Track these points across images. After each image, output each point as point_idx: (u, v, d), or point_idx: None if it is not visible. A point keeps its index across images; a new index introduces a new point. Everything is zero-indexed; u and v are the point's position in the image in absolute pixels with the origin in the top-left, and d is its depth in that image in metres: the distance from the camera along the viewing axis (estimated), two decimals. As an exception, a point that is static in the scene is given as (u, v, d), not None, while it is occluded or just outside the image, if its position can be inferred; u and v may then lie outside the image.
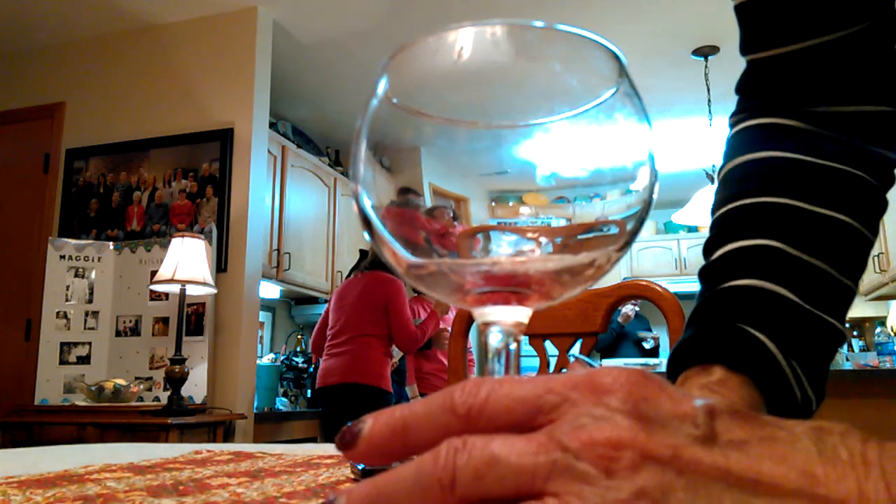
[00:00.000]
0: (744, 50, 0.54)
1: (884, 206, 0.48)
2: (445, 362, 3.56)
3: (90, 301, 3.25)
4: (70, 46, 3.81)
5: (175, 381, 2.77)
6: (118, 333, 3.24)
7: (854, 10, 0.48)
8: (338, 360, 3.10)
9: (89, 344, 3.21)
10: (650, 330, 5.39)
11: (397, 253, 0.25)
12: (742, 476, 0.17)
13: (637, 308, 5.23)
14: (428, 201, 0.25)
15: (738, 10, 0.53)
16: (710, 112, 4.12)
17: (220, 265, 3.25)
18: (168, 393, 2.84)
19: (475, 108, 0.25)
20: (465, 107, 0.25)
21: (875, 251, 4.53)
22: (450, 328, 1.27)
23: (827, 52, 0.48)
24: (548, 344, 1.20)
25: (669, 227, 6.61)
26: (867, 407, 2.77)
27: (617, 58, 0.25)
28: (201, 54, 3.54)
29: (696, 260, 6.31)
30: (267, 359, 4.45)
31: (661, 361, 4.51)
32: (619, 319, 5.17)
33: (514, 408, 0.20)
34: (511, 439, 0.19)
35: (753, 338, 0.38)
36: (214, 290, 3.00)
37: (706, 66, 3.94)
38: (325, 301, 4.01)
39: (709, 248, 0.47)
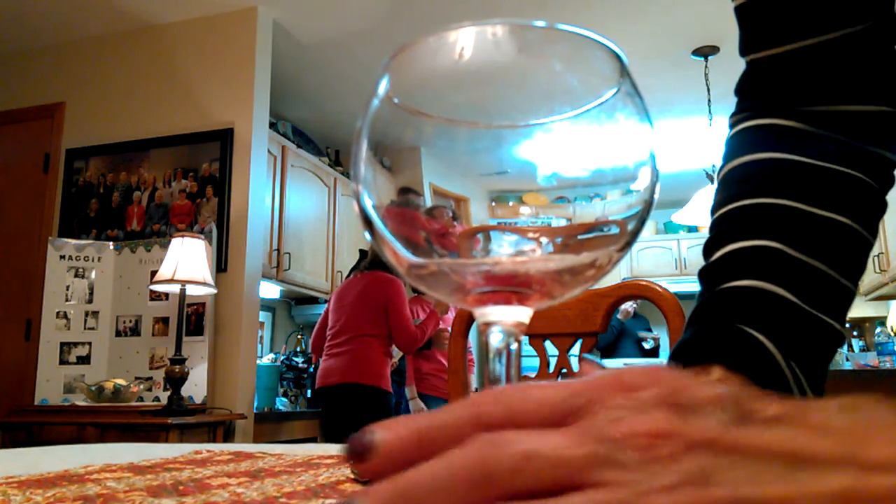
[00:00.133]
0: (743, 51, 0.54)
1: (883, 207, 0.48)
2: (444, 362, 3.55)
3: (90, 301, 3.25)
4: (70, 46, 3.81)
5: (175, 381, 2.77)
6: (118, 333, 3.24)
7: (854, 10, 0.48)
8: (337, 360, 3.10)
9: (89, 344, 3.21)
10: (650, 330, 5.39)
11: (398, 253, 0.25)
12: (782, 451, 0.17)
13: (637, 304, 5.23)
14: (428, 201, 0.25)
15: (739, 10, 0.53)
16: (710, 112, 4.12)
17: (220, 265, 3.25)
18: (168, 393, 2.84)
19: (476, 108, 0.25)
20: (465, 107, 0.25)
21: (875, 251, 4.53)
22: (450, 328, 1.27)
23: (826, 50, 0.48)
24: (548, 344, 1.20)
25: (669, 227, 6.61)
26: (867, 407, 2.76)
27: (618, 57, 0.25)
28: (201, 54, 3.54)
29: (696, 260, 6.31)
30: (267, 359, 4.45)
31: (661, 361, 4.50)
32: (620, 316, 5.18)
33: (541, 411, 0.20)
34: (546, 433, 0.19)
35: (753, 338, 0.38)
36: (214, 290, 3.00)
37: (706, 66, 3.94)
38: (325, 301, 4.01)
39: (708, 248, 0.47)
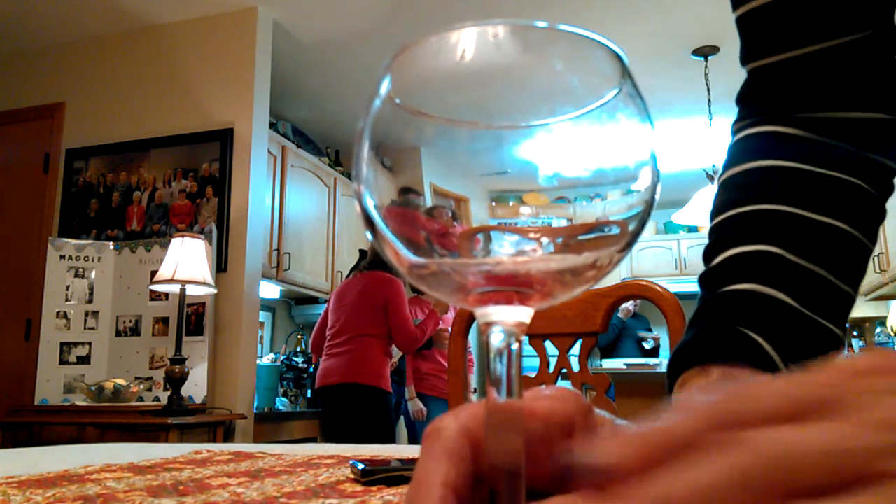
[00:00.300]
0: (744, 60, 0.55)
1: (882, 214, 0.48)
2: (444, 362, 3.55)
3: (90, 301, 3.25)
4: (70, 46, 3.81)
5: (175, 381, 2.77)
6: (118, 333, 3.24)
7: (853, 20, 0.48)
8: (337, 360, 3.10)
9: (89, 344, 3.21)
10: (650, 330, 5.39)
11: (399, 253, 0.25)
12: None
13: (637, 304, 5.23)
14: (428, 201, 0.25)
15: (740, 20, 0.54)
16: (710, 112, 4.12)
17: (220, 265, 3.25)
18: (168, 393, 2.84)
19: (477, 109, 0.25)
20: (466, 107, 0.25)
21: (875, 251, 4.53)
22: (449, 328, 1.27)
23: (826, 58, 0.49)
24: (548, 344, 1.20)
25: (669, 227, 6.61)
26: (867, 407, 2.76)
27: (619, 58, 0.25)
28: (201, 54, 3.55)
29: (696, 260, 6.32)
30: (267, 359, 4.45)
31: (662, 361, 4.51)
32: (620, 315, 5.18)
33: (785, 406, 0.18)
34: (811, 427, 0.17)
35: (751, 340, 0.39)
36: (214, 290, 3.00)
37: (706, 66, 3.94)
38: (325, 301, 4.01)
39: (708, 254, 0.47)
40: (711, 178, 3.97)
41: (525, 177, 0.24)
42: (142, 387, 3.09)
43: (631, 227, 0.25)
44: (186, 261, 2.82)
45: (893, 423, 0.17)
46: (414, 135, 0.25)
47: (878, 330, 4.47)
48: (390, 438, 3.14)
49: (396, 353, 3.35)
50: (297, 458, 0.78)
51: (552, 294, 0.25)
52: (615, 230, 0.25)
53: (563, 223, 0.25)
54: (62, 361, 3.17)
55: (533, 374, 1.24)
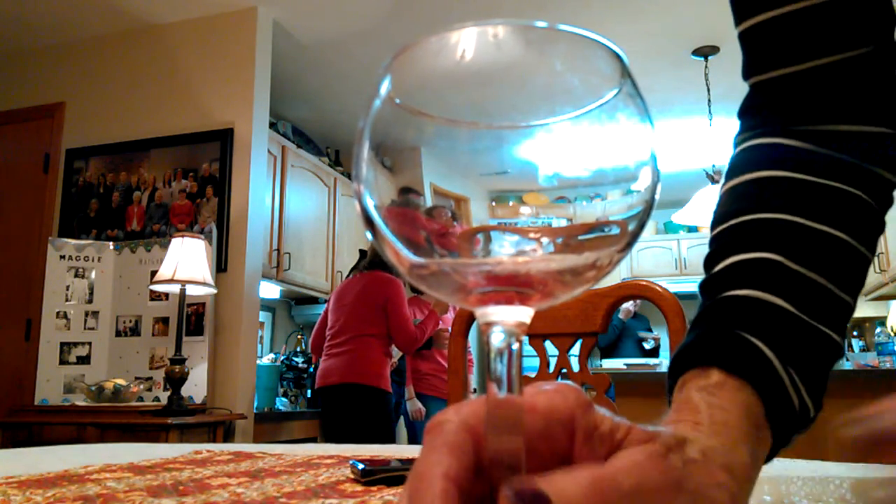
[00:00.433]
0: (746, 74, 0.56)
1: (881, 226, 0.49)
2: (443, 362, 3.55)
3: (90, 301, 3.25)
4: (70, 46, 3.81)
5: (175, 381, 2.77)
6: (118, 333, 3.24)
7: (855, 35, 0.49)
8: (337, 361, 3.10)
9: (89, 344, 3.21)
10: (651, 330, 5.39)
11: (400, 253, 0.26)
12: None
13: (637, 304, 5.23)
14: (428, 201, 0.25)
15: (743, 35, 0.55)
16: (710, 112, 4.12)
17: (220, 265, 3.25)
18: (168, 393, 2.84)
19: (477, 109, 0.25)
20: (466, 107, 0.25)
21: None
22: (449, 328, 1.27)
23: (828, 73, 0.50)
24: (548, 344, 1.20)
25: (669, 227, 6.61)
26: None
27: (619, 58, 0.25)
28: (201, 54, 3.55)
29: (696, 260, 6.32)
30: (267, 359, 4.45)
31: (662, 361, 4.51)
32: (621, 315, 5.18)
33: None
34: None
35: (750, 343, 0.39)
36: (214, 290, 3.00)
37: (706, 66, 3.94)
38: (325, 301, 4.02)
39: (709, 262, 0.48)
40: (711, 178, 3.97)
41: (525, 177, 0.24)
42: (142, 387, 3.09)
43: (631, 227, 0.25)
44: (186, 261, 2.82)
45: None
46: (414, 135, 0.25)
47: (878, 330, 4.47)
48: (390, 438, 3.14)
49: (396, 353, 3.35)
50: (297, 458, 0.78)
51: (552, 294, 0.25)
52: (615, 230, 0.25)
53: (564, 223, 0.25)
54: (62, 361, 3.17)
55: (533, 374, 1.24)
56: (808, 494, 0.52)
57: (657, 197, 0.26)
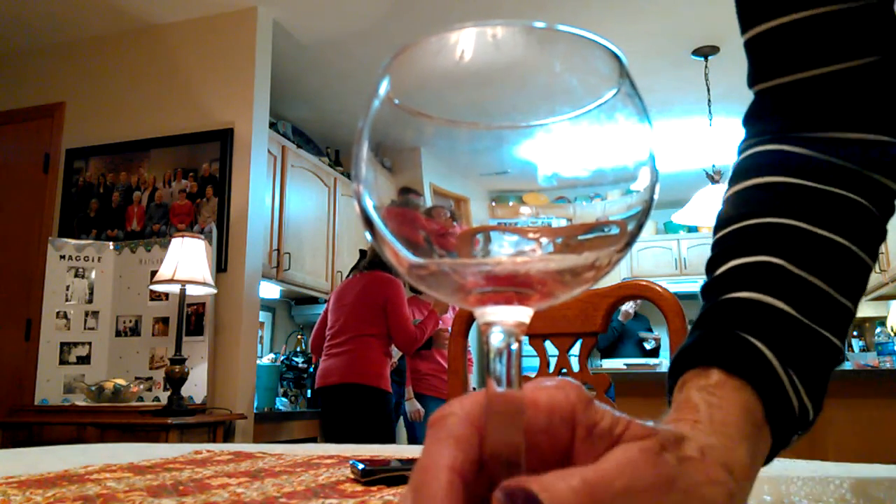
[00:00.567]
0: (752, 82, 0.56)
1: (883, 234, 0.49)
2: (442, 362, 3.55)
3: (90, 301, 3.25)
4: (70, 46, 3.81)
5: (175, 381, 2.77)
6: (118, 333, 3.24)
7: (862, 45, 0.49)
8: (337, 361, 3.10)
9: (89, 344, 3.21)
10: (651, 330, 5.39)
11: (399, 253, 0.26)
12: None
13: (637, 304, 5.22)
14: (428, 201, 0.25)
15: (749, 43, 0.55)
16: (710, 112, 4.12)
17: (220, 265, 3.25)
18: (168, 393, 2.84)
19: (476, 109, 0.25)
20: (466, 107, 0.25)
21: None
22: (449, 328, 1.27)
23: (834, 81, 0.50)
24: (548, 344, 1.20)
25: (669, 227, 6.61)
26: (867, 407, 2.77)
27: (618, 58, 0.25)
28: (201, 54, 3.54)
29: (696, 260, 6.32)
30: (267, 359, 4.45)
31: (662, 361, 4.51)
32: (620, 317, 5.17)
33: None
34: None
35: (750, 344, 0.39)
36: (214, 290, 3.00)
37: (706, 66, 3.94)
38: (325, 301, 4.02)
39: (710, 266, 0.48)
40: (711, 178, 3.97)
41: (525, 177, 0.24)
42: (142, 387, 3.09)
43: (630, 227, 0.25)
44: (186, 261, 2.82)
45: None
46: (413, 135, 0.25)
47: (878, 330, 4.46)
48: (390, 438, 3.14)
49: (396, 353, 3.35)
50: (297, 458, 0.78)
51: (552, 294, 0.26)
52: (614, 230, 0.25)
53: (563, 223, 0.25)
54: (62, 361, 3.17)
55: (533, 375, 1.24)
56: (808, 494, 0.52)
57: (656, 197, 0.26)
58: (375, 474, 0.58)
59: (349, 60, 3.99)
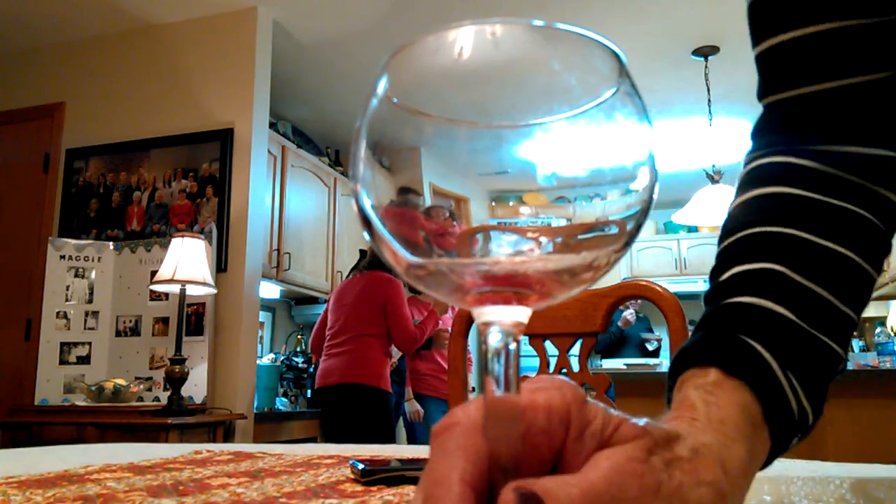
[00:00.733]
0: (761, 95, 0.56)
1: (888, 249, 0.49)
2: (441, 363, 3.55)
3: (90, 301, 3.25)
4: (70, 46, 3.81)
5: (175, 381, 2.77)
6: (118, 333, 3.24)
7: (873, 60, 0.49)
8: (337, 361, 3.10)
9: (89, 344, 3.21)
10: (652, 331, 5.39)
11: (397, 253, 0.25)
12: None
13: (637, 311, 5.22)
14: (428, 201, 0.25)
15: (760, 57, 0.55)
16: (710, 112, 4.12)
17: (220, 265, 3.25)
18: (168, 393, 2.84)
19: (475, 108, 0.25)
20: (464, 106, 0.25)
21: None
22: (449, 328, 1.27)
23: (843, 95, 0.50)
24: (548, 344, 1.20)
25: (669, 227, 6.61)
26: (867, 407, 2.77)
27: (617, 57, 0.25)
28: (201, 54, 3.54)
29: (696, 260, 6.32)
30: (267, 359, 4.45)
31: (662, 362, 4.51)
32: (620, 324, 5.17)
33: None
34: None
35: (749, 346, 0.39)
36: (214, 290, 3.00)
37: (706, 66, 3.94)
38: (325, 301, 4.02)
39: (714, 274, 0.48)
40: (711, 178, 3.97)
41: (525, 176, 0.24)
42: (142, 387, 3.09)
43: (629, 227, 0.25)
44: (186, 261, 2.82)
45: None
46: (412, 134, 0.25)
47: (878, 330, 4.46)
48: (390, 438, 3.14)
49: (396, 353, 3.35)
50: (297, 458, 0.78)
51: (550, 294, 0.25)
52: (614, 230, 0.25)
53: (563, 223, 0.25)
54: (62, 361, 3.17)
55: (533, 375, 1.24)
56: (808, 495, 0.52)
57: (655, 196, 0.26)
58: (375, 474, 0.58)
59: (349, 60, 3.99)
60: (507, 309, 0.25)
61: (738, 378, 0.37)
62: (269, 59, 3.56)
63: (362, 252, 3.55)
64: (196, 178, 3.40)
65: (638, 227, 0.26)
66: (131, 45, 3.69)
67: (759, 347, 0.39)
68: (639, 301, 4.78)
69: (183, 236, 2.88)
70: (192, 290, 2.88)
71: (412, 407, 3.53)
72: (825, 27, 0.50)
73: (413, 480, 0.58)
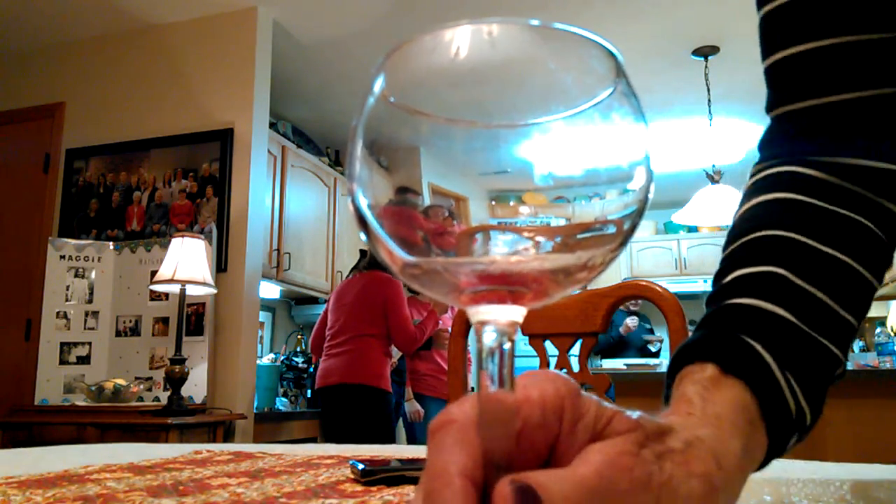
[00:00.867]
0: (770, 107, 0.57)
1: (889, 260, 0.50)
2: (441, 363, 3.55)
3: (90, 301, 3.25)
4: (70, 46, 3.81)
5: (175, 381, 2.77)
6: (118, 333, 3.24)
7: (880, 75, 0.50)
8: (337, 361, 3.10)
9: (89, 344, 3.21)
10: (652, 332, 5.39)
11: (393, 252, 0.25)
12: None
13: (638, 318, 5.23)
14: (427, 200, 0.25)
15: (770, 69, 0.56)
16: (710, 112, 4.12)
17: (220, 265, 3.25)
18: (168, 393, 2.84)
19: (472, 107, 0.25)
20: (462, 105, 0.25)
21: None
22: (449, 328, 1.27)
23: (852, 108, 0.50)
24: (548, 344, 1.20)
25: (669, 227, 6.61)
26: (867, 407, 2.77)
27: (614, 57, 0.25)
28: (201, 54, 3.55)
29: (696, 260, 6.31)
30: (267, 359, 4.45)
31: (662, 362, 4.51)
32: (621, 330, 5.17)
33: None
34: None
35: (748, 344, 0.39)
36: (214, 290, 3.00)
37: (706, 66, 3.94)
38: (325, 301, 4.02)
39: (717, 278, 0.49)
40: (711, 178, 3.97)
41: (524, 176, 0.24)
42: (142, 387, 3.09)
43: (626, 226, 0.25)
44: (186, 261, 2.82)
45: None
46: (409, 133, 0.25)
47: (878, 330, 4.46)
48: (390, 438, 3.14)
49: (396, 353, 3.35)
50: (297, 458, 0.78)
51: (546, 293, 0.25)
52: (611, 229, 0.25)
53: (562, 222, 0.25)
54: (62, 361, 3.17)
55: (531, 373, 1.23)
56: (808, 496, 0.52)
57: (650, 196, 0.26)
58: (375, 474, 0.58)
59: (349, 60, 3.99)
60: (501, 308, 0.25)
61: (736, 375, 0.37)
62: (269, 59, 3.56)
63: (362, 252, 3.55)
64: (196, 178, 3.41)
65: (634, 227, 0.26)
66: (131, 45, 3.69)
67: (757, 346, 0.39)
68: (639, 301, 4.79)
69: (183, 236, 2.88)
70: (192, 290, 2.88)
71: (412, 407, 3.53)
72: (835, 41, 0.51)
73: (413, 480, 0.58)
